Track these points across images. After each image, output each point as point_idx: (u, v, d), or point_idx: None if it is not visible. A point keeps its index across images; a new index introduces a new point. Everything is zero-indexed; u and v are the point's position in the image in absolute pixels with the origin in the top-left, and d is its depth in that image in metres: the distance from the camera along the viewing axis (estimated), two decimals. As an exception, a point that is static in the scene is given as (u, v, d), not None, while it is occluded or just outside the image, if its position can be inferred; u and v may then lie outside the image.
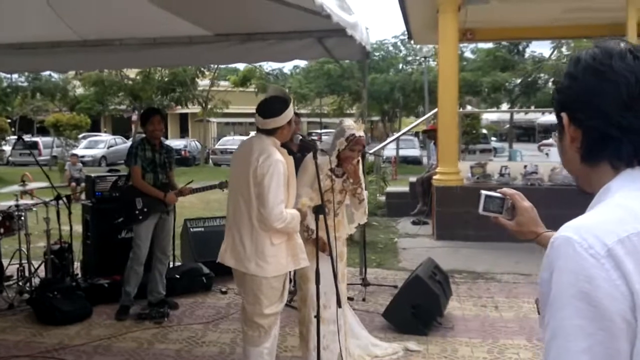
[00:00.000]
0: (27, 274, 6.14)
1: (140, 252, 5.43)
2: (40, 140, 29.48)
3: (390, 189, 11.89)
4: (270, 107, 3.50)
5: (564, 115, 1.15)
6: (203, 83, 30.35)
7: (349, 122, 4.07)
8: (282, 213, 3.32)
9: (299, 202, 3.82)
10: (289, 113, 3.50)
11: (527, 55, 27.43)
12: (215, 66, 28.78)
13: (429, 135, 11.26)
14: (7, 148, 27.25)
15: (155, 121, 5.52)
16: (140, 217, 5.40)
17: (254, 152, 3.42)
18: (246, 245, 3.42)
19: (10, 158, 27.57)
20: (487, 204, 1.76)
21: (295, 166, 3.70)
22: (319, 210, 3.51)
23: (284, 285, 3.58)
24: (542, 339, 1.25)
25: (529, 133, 45.48)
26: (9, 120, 29.10)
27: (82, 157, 24.75)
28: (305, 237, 3.85)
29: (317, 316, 3.55)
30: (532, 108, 29.50)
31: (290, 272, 3.95)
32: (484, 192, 1.77)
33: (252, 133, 3.64)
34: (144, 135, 5.71)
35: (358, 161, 4.07)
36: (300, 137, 3.89)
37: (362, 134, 3.99)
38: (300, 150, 4.69)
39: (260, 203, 3.34)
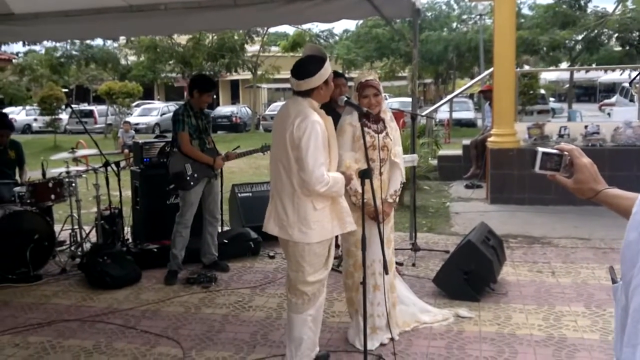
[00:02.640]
0: (78, 239, 6.26)
1: (187, 215, 5.44)
2: (95, 108, 30.25)
3: (442, 152, 11.59)
4: (305, 67, 3.34)
5: None
6: (252, 49, 30.27)
7: (358, 76, 4.04)
8: (323, 175, 3.18)
9: (342, 165, 3.68)
10: (325, 72, 3.32)
11: (589, 10, 26.03)
12: (264, 31, 28.68)
13: (485, 95, 10.83)
14: (65, 116, 28.00)
15: (211, 94, 5.60)
16: (192, 183, 5.39)
17: (290, 115, 3.28)
18: (288, 212, 3.31)
19: (67, 126, 28.38)
20: (544, 161, 1.66)
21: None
22: (365, 174, 3.35)
23: (329, 251, 3.45)
24: (615, 303, 1.11)
25: (589, 93, 43.76)
26: (65, 90, 29.91)
27: (136, 124, 25.30)
28: (354, 202, 3.72)
29: (364, 282, 3.42)
30: (594, 66, 28.16)
31: (336, 237, 3.84)
32: (540, 149, 1.66)
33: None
34: (187, 100, 5.65)
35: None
36: (346, 99, 3.71)
37: (371, 77, 3.92)
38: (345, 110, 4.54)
39: (300, 167, 3.21)
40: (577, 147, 1.63)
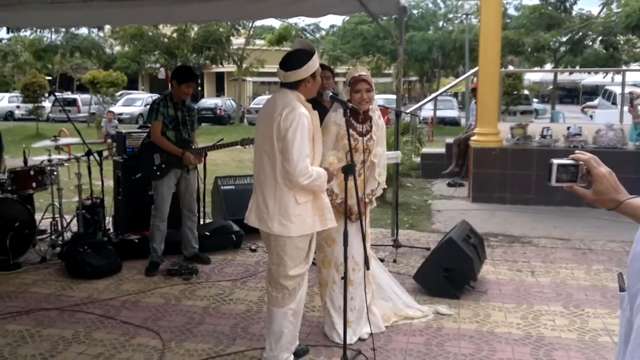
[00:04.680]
0: (59, 228, 6.21)
1: (161, 208, 5.42)
2: (79, 97, 29.93)
3: (425, 150, 11.66)
4: (293, 59, 3.34)
5: None
6: (238, 42, 30.12)
7: (350, 71, 4.05)
8: (307, 168, 3.18)
9: (325, 162, 3.69)
10: (313, 65, 3.32)
11: (574, 12, 26.23)
12: (250, 24, 28.53)
13: (475, 94, 10.92)
14: (48, 104, 27.68)
15: (192, 85, 5.45)
16: (158, 173, 5.35)
17: (277, 107, 3.28)
18: (269, 204, 3.31)
19: (50, 114, 28.06)
20: (560, 173, 1.59)
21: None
22: (348, 169, 3.36)
23: (310, 245, 3.46)
24: (621, 311, 1.09)
25: (572, 95, 44.15)
26: (49, 78, 29.54)
27: (120, 114, 25.07)
28: (329, 201, 3.73)
29: (345, 278, 3.44)
30: (578, 68, 28.40)
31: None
32: (555, 161, 1.59)
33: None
34: (168, 91, 5.59)
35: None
36: (331, 93, 3.70)
37: (363, 72, 3.92)
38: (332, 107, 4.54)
39: (285, 158, 3.20)
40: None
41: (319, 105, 4.44)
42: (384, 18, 13.89)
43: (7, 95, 32.00)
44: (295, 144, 3.15)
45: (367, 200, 3.96)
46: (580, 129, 8.45)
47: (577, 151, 1.60)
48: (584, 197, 1.57)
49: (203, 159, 5.69)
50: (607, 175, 1.52)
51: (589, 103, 28.73)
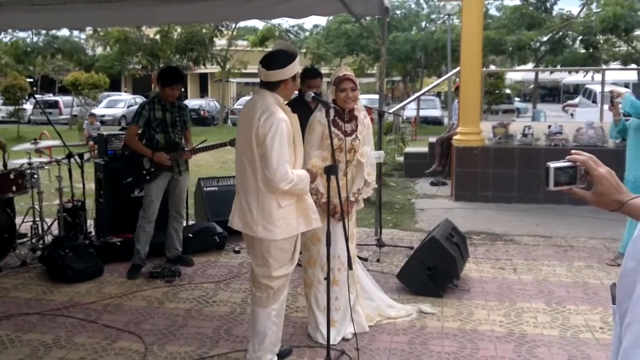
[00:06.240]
0: (40, 231, 6.14)
1: (149, 211, 5.37)
2: (61, 99, 29.64)
3: (408, 149, 11.71)
4: (275, 58, 3.34)
5: None
6: (221, 43, 30.02)
7: (334, 72, 4.07)
8: (287, 173, 3.17)
9: (308, 163, 3.69)
10: (294, 67, 3.32)
11: (554, 12, 26.48)
12: (233, 25, 28.43)
13: (458, 93, 10.98)
14: (29, 107, 27.38)
15: (177, 87, 5.39)
16: (148, 177, 5.31)
17: (256, 111, 3.26)
18: (252, 209, 3.30)
19: (31, 117, 27.76)
20: (558, 177, 1.51)
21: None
22: (331, 170, 3.37)
23: (295, 246, 3.45)
24: (614, 325, 1.08)
25: (553, 94, 44.59)
26: (30, 80, 29.24)
27: (102, 116, 24.88)
28: (314, 200, 3.73)
29: (328, 278, 3.44)
30: (558, 67, 28.67)
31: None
32: (551, 164, 1.51)
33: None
34: (155, 93, 5.55)
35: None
36: (313, 94, 3.70)
37: (347, 72, 3.95)
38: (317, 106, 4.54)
39: (264, 164, 3.19)
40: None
41: (305, 106, 4.45)
42: (367, 18, 13.91)
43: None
44: (274, 150, 3.14)
45: (352, 199, 3.97)
46: (562, 127, 8.53)
47: (573, 151, 1.52)
48: (584, 199, 1.51)
49: (190, 157, 5.64)
50: (608, 175, 1.45)
51: (570, 102, 29.02)
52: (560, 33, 25.86)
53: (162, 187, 5.42)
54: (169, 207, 5.59)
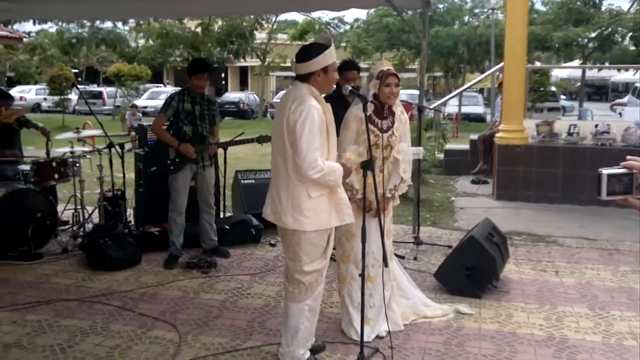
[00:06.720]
0: (81, 219, 6.25)
1: (177, 203, 5.40)
2: (104, 90, 30.25)
3: (449, 146, 11.52)
4: (305, 51, 3.30)
5: None
6: (261, 36, 30.10)
7: (375, 65, 3.98)
8: (316, 160, 3.11)
9: (343, 157, 3.63)
10: (324, 59, 3.25)
11: (603, 8, 25.71)
12: (274, 19, 28.48)
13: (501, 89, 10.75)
14: (74, 97, 28.01)
15: (203, 77, 5.31)
16: (172, 168, 5.33)
17: (288, 101, 3.24)
18: (282, 198, 3.27)
19: (76, 107, 28.40)
20: (611, 184, 1.37)
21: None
22: (367, 165, 3.30)
23: (328, 241, 3.40)
24: None
25: (601, 92, 43.37)
26: (75, 71, 29.91)
27: (145, 107, 25.27)
28: (349, 196, 3.67)
29: (362, 274, 3.38)
30: (607, 65, 27.85)
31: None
32: (604, 171, 1.38)
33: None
34: (187, 85, 5.54)
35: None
36: (350, 88, 3.63)
37: (390, 67, 3.87)
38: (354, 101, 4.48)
39: (294, 151, 3.15)
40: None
41: (343, 100, 4.39)
42: (409, 12, 13.72)
43: (34, 87, 32.48)
44: (303, 136, 3.10)
45: (389, 195, 3.90)
46: (609, 126, 8.26)
47: (629, 157, 1.38)
48: None
49: (216, 152, 5.64)
50: None
51: (618, 100, 28.20)
52: (609, 29, 25.10)
53: (188, 180, 5.43)
54: (199, 201, 5.60)
